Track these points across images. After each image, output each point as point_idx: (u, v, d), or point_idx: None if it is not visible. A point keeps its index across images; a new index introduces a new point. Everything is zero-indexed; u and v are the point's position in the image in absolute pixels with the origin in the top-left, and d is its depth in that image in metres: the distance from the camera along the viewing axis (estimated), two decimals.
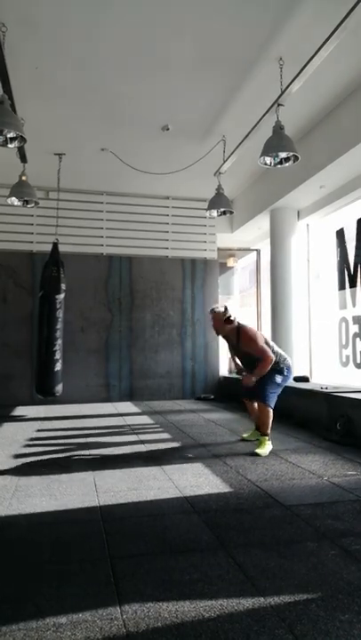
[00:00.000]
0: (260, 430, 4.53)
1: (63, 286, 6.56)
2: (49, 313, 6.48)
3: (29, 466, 4.02)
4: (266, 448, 4.38)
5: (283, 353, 4.68)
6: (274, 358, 4.41)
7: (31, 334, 7.73)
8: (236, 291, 10.46)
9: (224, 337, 4.79)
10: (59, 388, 6.64)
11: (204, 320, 8.63)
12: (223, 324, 4.59)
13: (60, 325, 6.56)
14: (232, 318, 4.58)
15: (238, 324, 4.61)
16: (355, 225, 6.23)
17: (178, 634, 1.69)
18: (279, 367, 4.50)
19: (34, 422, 6.13)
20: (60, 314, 6.55)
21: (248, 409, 4.95)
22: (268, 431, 4.46)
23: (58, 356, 6.55)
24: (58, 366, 6.56)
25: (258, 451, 4.34)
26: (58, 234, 6.82)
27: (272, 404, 4.50)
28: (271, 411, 4.48)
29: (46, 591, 1.97)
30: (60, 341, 6.56)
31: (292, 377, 4.75)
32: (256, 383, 4.46)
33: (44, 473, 3.74)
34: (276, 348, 4.67)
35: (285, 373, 4.55)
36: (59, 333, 6.55)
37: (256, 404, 4.68)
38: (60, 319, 6.55)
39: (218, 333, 4.81)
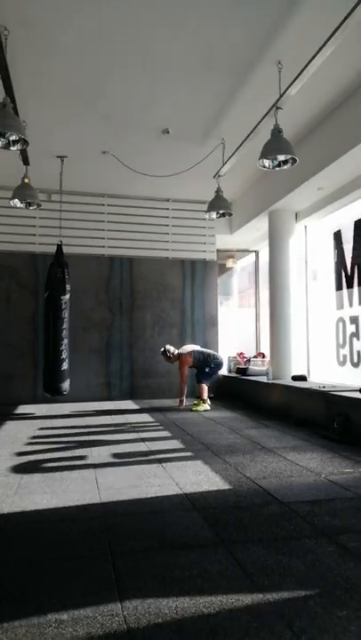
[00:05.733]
0: (199, 397, 7.13)
1: (68, 287, 6.63)
2: (55, 313, 6.55)
3: (31, 463, 4.05)
4: (201, 407, 6.98)
5: (213, 354, 7.34)
6: (186, 376, 7.21)
7: (34, 334, 7.79)
8: (235, 291, 10.50)
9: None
10: (66, 387, 6.71)
11: (204, 320, 8.69)
12: (170, 359, 7.28)
13: (65, 325, 6.63)
14: (171, 353, 7.25)
15: (179, 354, 7.23)
16: (352, 226, 6.27)
17: (178, 629, 1.70)
18: (207, 363, 7.15)
19: (36, 421, 6.17)
20: (65, 314, 6.62)
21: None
22: (204, 397, 7.08)
23: (65, 355, 6.63)
24: (65, 365, 6.64)
25: (195, 409, 6.94)
26: (61, 235, 6.88)
27: (205, 383, 7.14)
28: (205, 386, 7.13)
29: (48, 588, 1.99)
30: (66, 341, 6.64)
31: (221, 368, 7.43)
32: (197, 372, 7.25)
33: (45, 470, 3.78)
34: (208, 352, 7.37)
35: (212, 366, 7.19)
36: (65, 333, 6.63)
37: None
38: (65, 319, 6.62)
39: (171, 362, 7.37)
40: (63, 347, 6.60)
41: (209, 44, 4.31)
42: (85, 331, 8.15)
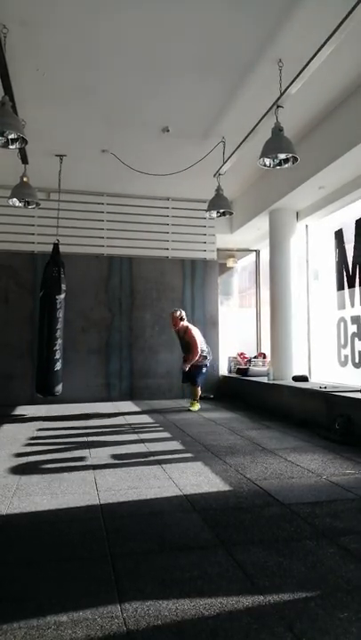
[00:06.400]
0: (192, 398, 7.32)
1: (63, 286, 6.61)
2: (49, 313, 6.52)
3: (30, 465, 4.04)
4: (196, 407, 7.15)
5: (210, 351, 7.30)
6: (200, 347, 6.98)
7: (32, 334, 7.77)
8: (236, 291, 10.48)
9: (176, 331, 7.25)
10: (59, 387, 6.68)
11: (204, 320, 8.67)
12: (178, 321, 7.10)
13: (60, 325, 6.60)
14: (184, 317, 7.17)
15: (189, 327, 7.13)
16: (353, 226, 6.25)
17: (178, 632, 1.70)
18: (204, 363, 7.14)
19: (35, 422, 6.16)
20: (60, 314, 6.59)
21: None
22: (197, 398, 7.28)
23: (58, 355, 6.59)
24: (58, 366, 6.60)
25: (191, 409, 7.12)
26: (59, 234, 6.87)
27: (199, 384, 7.29)
28: (198, 388, 7.30)
29: (47, 589, 1.99)
30: (60, 341, 6.61)
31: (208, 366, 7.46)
32: (189, 372, 7.15)
33: (44, 472, 3.77)
34: (205, 346, 7.22)
35: (207, 365, 7.27)
36: (59, 333, 6.59)
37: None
38: (60, 319, 6.59)
39: (174, 328, 7.25)
40: (57, 347, 6.56)
41: (209, 41, 4.29)
42: (85, 331, 8.13)
